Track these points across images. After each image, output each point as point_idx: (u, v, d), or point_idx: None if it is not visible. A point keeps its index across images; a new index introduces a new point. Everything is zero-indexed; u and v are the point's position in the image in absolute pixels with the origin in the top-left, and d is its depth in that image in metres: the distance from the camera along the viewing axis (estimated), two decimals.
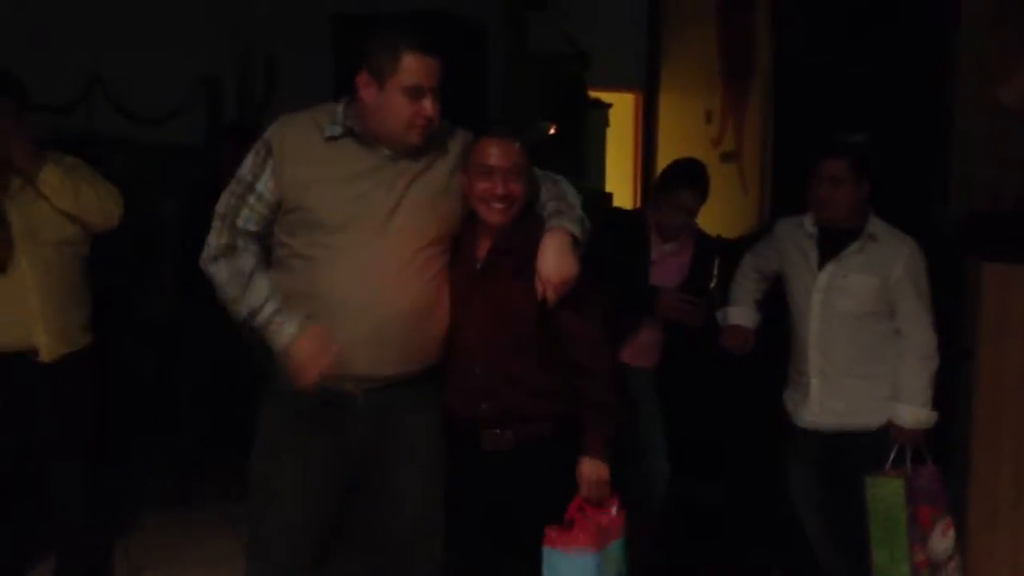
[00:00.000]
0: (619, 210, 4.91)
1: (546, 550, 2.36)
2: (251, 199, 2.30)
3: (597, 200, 5.43)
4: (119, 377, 4.79)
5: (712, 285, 3.33)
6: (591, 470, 2.38)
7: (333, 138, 2.29)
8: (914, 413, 2.94)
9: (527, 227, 2.38)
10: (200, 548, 3.76)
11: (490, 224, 2.36)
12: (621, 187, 6.04)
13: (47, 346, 2.92)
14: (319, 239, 2.28)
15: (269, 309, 2.27)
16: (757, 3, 5.12)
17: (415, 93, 2.23)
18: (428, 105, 2.24)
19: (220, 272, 2.31)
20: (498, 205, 2.32)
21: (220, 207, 2.35)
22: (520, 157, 2.34)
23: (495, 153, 2.31)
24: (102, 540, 3.27)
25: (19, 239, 2.88)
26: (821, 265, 3.04)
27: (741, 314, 3.29)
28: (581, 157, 5.70)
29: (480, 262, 2.40)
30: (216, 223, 2.34)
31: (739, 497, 4.08)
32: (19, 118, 2.87)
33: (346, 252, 2.26)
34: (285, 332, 2.25)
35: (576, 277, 2.31)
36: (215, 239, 2.33)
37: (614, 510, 2.45)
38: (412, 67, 2.22)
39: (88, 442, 3.09)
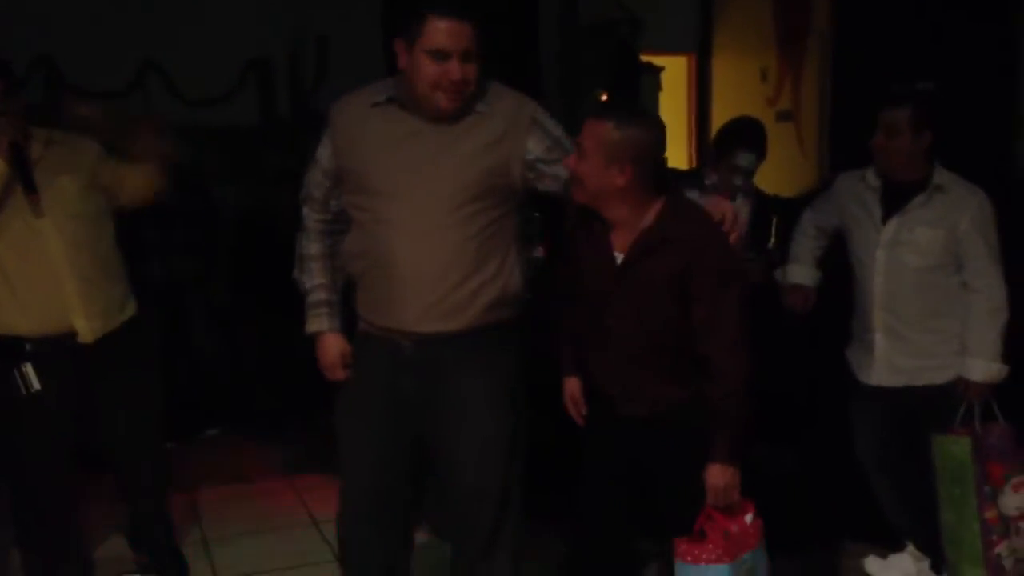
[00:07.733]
0: (674, 171, 4.85)
1: (677, 564, 2.31)
2: (315, 167, 2.50)
3: None
4: (192, 360, 4.94)
5: (770, 244, 3.28)
6: (715, 476, 2.27)
7: (378, 104, 2.36)
8: (984, 367, 2.86)
9: (677, 225, 2.26)
10: (269, 519, 3.83)
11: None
12: (676, 149, 5.97)
13: (85, 328, 2.83)
14: (366, 201, 2.37)
15: (313, 297, 2.56)
16: None
17: (439, 56, 2.22)
18: (454, 68, 2.22)
19: (298, 245, 2.59)
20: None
21: (305, 179, 2.55)
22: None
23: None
24: (172, 514, 3.33)
25: (46, 215, 2.74)
26: (885, 219, 2.96)
27: (801, 272, 3.22)
28: None
29: (621, 256, 2.30)
30: (302, 193, 2.57)
31: (808, 462, 3.99)
32: (7, 96, 2.72)
33: (388, 211, 2.32)
34: (314, 325, 2.56)
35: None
36: (303, 208, 2.57)
37: (748, 517, 2.35)
38: (436, 29, 2.22)
39: (152, 420, 3.07)
